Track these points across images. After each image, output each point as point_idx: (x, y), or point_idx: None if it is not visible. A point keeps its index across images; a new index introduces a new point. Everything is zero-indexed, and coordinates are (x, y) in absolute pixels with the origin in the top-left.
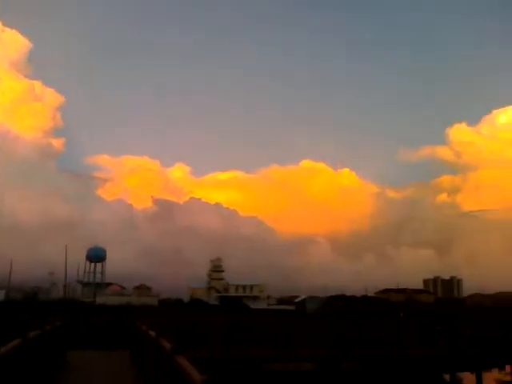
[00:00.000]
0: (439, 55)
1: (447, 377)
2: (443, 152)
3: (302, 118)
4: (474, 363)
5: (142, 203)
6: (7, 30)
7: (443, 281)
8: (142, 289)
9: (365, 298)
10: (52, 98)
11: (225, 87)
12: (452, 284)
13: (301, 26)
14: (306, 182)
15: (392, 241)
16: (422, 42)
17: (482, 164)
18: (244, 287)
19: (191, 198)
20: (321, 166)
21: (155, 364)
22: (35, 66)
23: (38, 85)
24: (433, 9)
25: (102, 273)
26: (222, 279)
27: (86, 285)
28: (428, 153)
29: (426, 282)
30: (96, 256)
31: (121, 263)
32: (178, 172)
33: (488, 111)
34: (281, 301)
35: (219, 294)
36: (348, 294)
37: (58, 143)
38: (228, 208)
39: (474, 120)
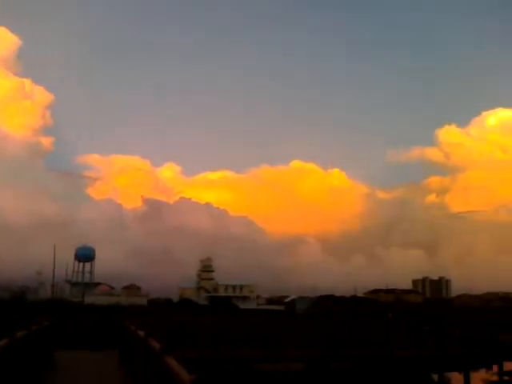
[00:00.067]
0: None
1: (435, 377)
2: (433, 153)
3: (292, 118)
4: (461, 363)
5: (132, 203)
6: None
7: (432, 281)
8: (131, 289)
9: (354, 298)
10: (42, 96)
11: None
12: (440, 284)
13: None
14: (296, 182)
15: (381, 241)
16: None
17: (470, 165)
18: (234, 287)
19: (181, 197)
20: (311, 166)
21: (144, 364)
22: (25, 64)
23: (27, 83)
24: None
25: (91, 272)
26: (211, 279)
27: (74, 284)
28: (418, 154)
29: (414, 282)
30: (85, 255)
31: (110, 263)
32: (169, 172)
33: (477, 113)
34: (270, 301)
35: (209, 294)
36: (337, 294)
37: (47, 142)
38: (218, 208)
39: (463, 121)
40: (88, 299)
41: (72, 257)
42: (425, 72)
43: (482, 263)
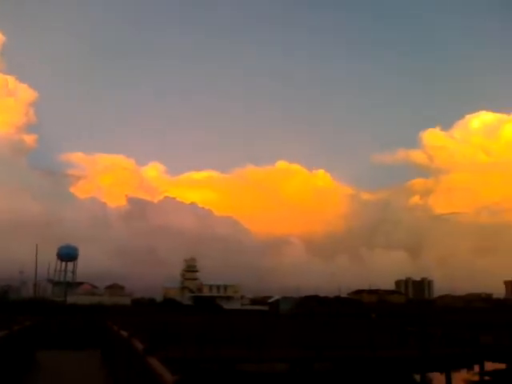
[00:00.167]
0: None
1: (418, 377)
2: (417, 155)
3: (277, 118)
4: (443, 363)
5: (116, 202)
6: None
7: (414, 282)
8: (115, 288)
9: (338, 298)
10: (25, 93)
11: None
12: (423, 285)
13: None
14: (281, 183)
15: (365, 242)
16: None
17: (454, 168)
18: (218, 287)
19: (166, 197)
20: (296, 167)
21: (127, 364)
22: (8, 61)
23: (11, 80)
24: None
25: (74, 272)
26: (195, 279)
27: (56, 284)
28: (402, 156)
29: (397, 283)
30: (67, 255)
31: (93, 262)
32: (153, 171)
33: (461, 116)
34: (254, 301)
35: (193, 294)
36: (321, 294)
37: (30, 139)
38: (203, 208)
39: (447, 124)
40: (70, 299)
41: (55, 256)
42: (410, 75)
43: (464, 264)
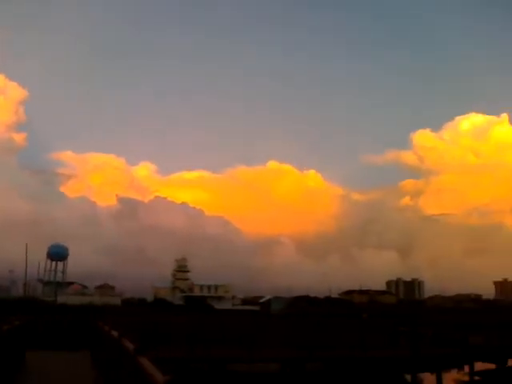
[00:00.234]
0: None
1: (409, 377)
2: (407, 156)
3: (268, 118)
4: (434, 364)
5: (106, 201)
6: None
7: (405, 282)
8: (105, 288)
9: (329, 298)
10: (15, 91)
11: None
12: (413, 286)
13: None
14: (272, 183)
15: (356, 243)
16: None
17: (443, 169)
18: (209, 287)
19: (157, 196)
20: (287, 167)
21: (117, 365)
22: None
23: (0, 78)
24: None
25: (64, 271)
26: (186, 279)
27: (46, 283)
28: (392, 157)
29: (388, 283)
30: (57, 254)
31: (83, 262)
32: (144, 170)
33: (451, 118)
34: (245, 301)
35: (184, 294)
36: (312, 294)
37: (20, 138)
38: (194, 207)
39: (437, 126)
40: (60, 299)
41: (45, 255)
42: (403, 76)
43: (454, 265)
